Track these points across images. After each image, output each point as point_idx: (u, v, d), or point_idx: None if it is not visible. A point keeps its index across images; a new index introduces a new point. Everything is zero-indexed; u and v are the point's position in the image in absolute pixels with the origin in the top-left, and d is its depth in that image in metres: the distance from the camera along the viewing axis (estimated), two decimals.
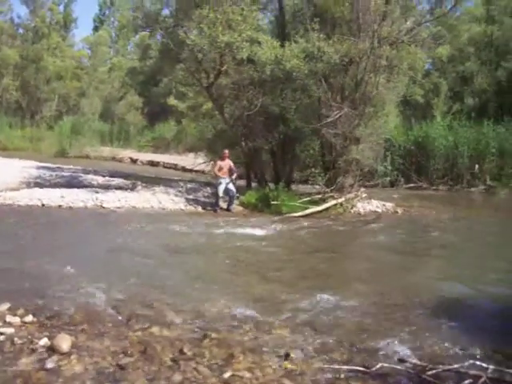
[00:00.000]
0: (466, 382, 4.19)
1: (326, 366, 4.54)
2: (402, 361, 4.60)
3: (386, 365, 4.44)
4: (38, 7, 46.95)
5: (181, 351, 4.72)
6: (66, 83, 44.34)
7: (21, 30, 48.28)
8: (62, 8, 51.39)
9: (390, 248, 10.46)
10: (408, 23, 15.24)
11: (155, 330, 5.24)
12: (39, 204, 12.78)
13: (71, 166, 22.24)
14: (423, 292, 7.07)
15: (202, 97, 18.36)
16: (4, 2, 46.41)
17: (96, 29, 55.91)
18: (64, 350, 4.55)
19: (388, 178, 22.41)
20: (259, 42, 13.99)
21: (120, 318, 5.52)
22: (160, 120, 38.26)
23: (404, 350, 4.89)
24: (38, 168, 20.03)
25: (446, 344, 5.15)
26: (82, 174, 19.17)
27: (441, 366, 4.45)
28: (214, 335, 5.13)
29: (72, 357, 4.47)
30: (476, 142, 23.17)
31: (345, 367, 4.49)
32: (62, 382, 4.07)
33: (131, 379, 4.16)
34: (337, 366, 4.51)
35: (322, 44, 13.77)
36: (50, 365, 4.32)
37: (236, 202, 14.34)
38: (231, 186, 13.89)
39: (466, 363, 4.49)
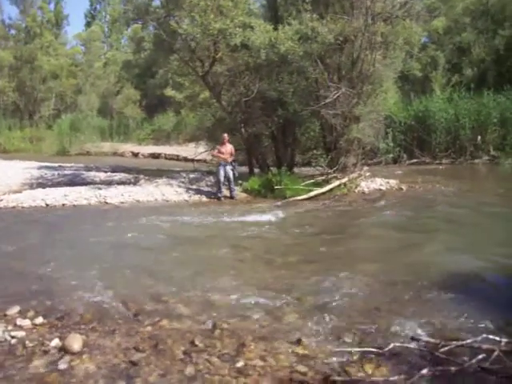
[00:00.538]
0: (480, 356, 4.17)
1: (338, 349, 4.54)
2: (414, 339, 4.59)
3: (398, 344, 4.43)
4: (28, 6, 46.64)
5: (192, 343, 4.72)
6: (61, 81, 44.19)
7: (13, 31, 48.00)
8: (52, 6, 51.10)
9: (396, 225, 10.42)
10: None
11: (165, 323, 5.24)
12: (43, 204, 12.76)
13: (73, 164, 22.23)
14: (431, 268, 7.04)
15: (198, 86, 18.24)
16: None
17: (88, 24, 55.60)
18: (76, 349, 4.56)
19: (390, 155, 22.34)
20: (252, 27, 13.85)
21: (129, 313, 5.52)
22: (158, 112, 38.08)
23: (415, 329, 4.88)
24: (40, 168, 20.01)
25: (458, 319, 5.14)
26: (83, 172, 19.16)
27: (453, 342, 4.43)
28: (224, 325, 5.13)
29: (84, 356, 4.47)
30: (477, 113, 23.03)
31: (357, 349, 4.49)
32: (75, 382, 4.08)
33: (144, 375, 4.16)
34: (349, 349, 4.51)
35: (316, 24, 13.63)
36: (62, 365, 4.32)
37: (239, 188, 14.31)
38: (230, 170, 13.84)
39: (479, 338, 4.47)
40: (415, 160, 22.87)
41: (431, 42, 31.31)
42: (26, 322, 5.21)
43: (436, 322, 5.09)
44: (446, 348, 4.34)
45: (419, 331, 4.81)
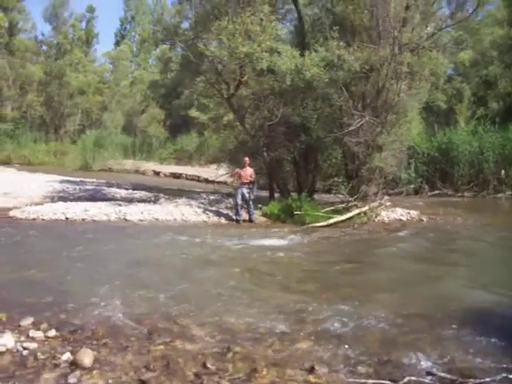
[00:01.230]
0: None
1: (351, 379, 4.44)
2: (429, 374, 4.47)
3: (413, 378, 4.33)
4: (61, 24, 47.84)
5: (204, 365, 4.66)
6: (88, 98, 44.99)
7: (44, 47, 49.26)
8: (83, 24, 52.36)
9: (416, 257, 10.29)
10: (429, 28, 15.08)
11: (178, 343, 5.19)
12: (63, 218, 12.89)
13: (94, 180, 22.47)
14: (450, 302, 6.90)
15: (223, 108, 18.41)
16: (28, 20, 47.36)
17: (117, 43, 56.72)
18: (86, 364, 4.54)
19: (412, 186, 22.17)
20: (279, 52, 13.95)
21: (142, 331, 5.49)
22: (182, 132, 38.47)
23: (432, 363, 4.77)
24: (62, 182, 20.25)
25: (476, 356, 5.00)
26: (105, 188, 19.34)
27: (471, 380, 4.32)
28: (237, 349, 5.07)
29: (94, 372, 4.45)
30: (502, 147, 22.79)
31: (371, 381, 4.38)
32: None
33: None
34: (363, 380, 4.41)
35: (342, 52, 13.68)
36: (72, 380, 4.30)
37: (258, 212, 14.29)
38: (247, 194, 13.82)
39: (498, 376, 4.34)
40: (437, 192, 22.64)
41: (457, 74, 31.27)
42: (39, 334, 5.21)
43: (453, 358, 4.96)
44: None
45: (435, 366, 4.70)
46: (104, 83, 48.99)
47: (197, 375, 4.47)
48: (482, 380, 4.32)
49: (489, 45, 31.65)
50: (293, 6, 16.83)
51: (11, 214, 13.20)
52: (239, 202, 13.80)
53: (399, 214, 15.22)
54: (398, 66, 14.18)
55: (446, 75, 22.25)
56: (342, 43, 13.84)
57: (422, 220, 14.79)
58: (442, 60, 15.75)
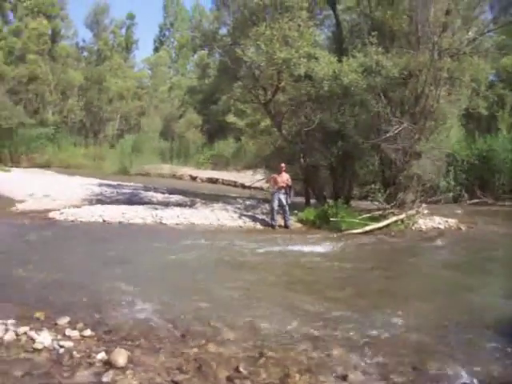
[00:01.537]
0: None
1: None
2: None
3: None
4: (102, 31, 48.82)
5: (236, 369, 4.66)
6: (127, 103, 45.68)
7: (85, 53, 50.32)
8: (123, 31, 53.32)
9: (453, 266, 10.09)
10: (470, 33, 14.77)
11: (211, 346, 5.21)
12: (100, 220, 13.10)
13: (132, 184, 22.78)
14: (488, 312, 6.75)
15: (260, 114, 18.44)
16: (70, 27, 48.46)
17: (156, 49, 57.45)
18: (120, 364, 4.60)
19: (451, 194, 21.70)
20: (316, 58, 13.90)
21: (176, 334, 5.53)
22: (219, 137, 38.69)
23: (467, 374, 4.65)
24: (100, 185, 20.60)
25: None
26: (142, 191, 19.57)
27: None
28: (270, 354, 5.06)
29: (128, 372, 4.50)
30: None
31: None
32: None
33: None
34: None
35: (381, 58, 13.56)
36: (106, 379, 4.38)
37: (294, 218, 14.24)
38: (284, 199, 13.79)
39: None
40: (476, 200, 22.14)
41: (499, 80, 30.55)
42: (75, 333, 5.31)
43: (489, 370, 4.84)
44: None
45: (471, 376, 4.58)
46: (143, 89, 49.68)
47: (229, 379, 4.48)
48: None
49: None
50: (331, 12, 16.78)
51: (50, 215, 13.49)
52: (275, 207, 13.78)
53: (437, 222, 14.95)
54: (438, 72, 13.96)
55: (487, 81, 21.81)
56: (380, 49, 13.72)
57: (460, 229, 14.50)
58: (484, 66, 15.44)
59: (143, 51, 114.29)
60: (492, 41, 15.61)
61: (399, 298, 7.60)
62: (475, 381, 4.52)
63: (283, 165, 14.23)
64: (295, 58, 13.41)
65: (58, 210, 14.11)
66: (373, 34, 13.91)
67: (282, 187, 13.86)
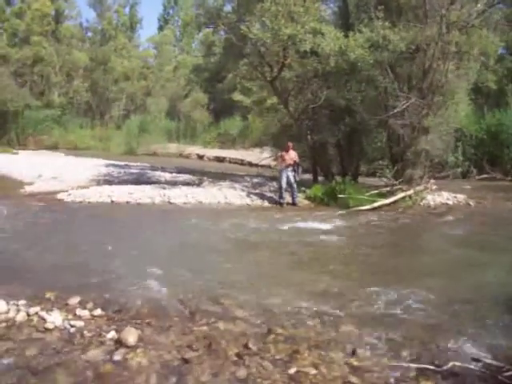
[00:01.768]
0: None
1: (394, 363, 4.40)
2: (475, 360, 4.37)
3: (458, 364, 4.25)
4: (105, 10, 48.49)
5: (245, 346, 4.69)
6: (133, 83, 45.51)
7: (89, 34, 50.09)
8: (127, 10, 52.93)
9: (462, 242, 10.07)
10: (479, 5, 14.50)
11: (220, 324, 5.24)
12: (108, 201, 13.15)
13: (139, 164, 22.81)
14: (497, 288, 6.74)
15: (266, 91, 18.33)
16: (73, 7, 48.14)
17: (161, 28, 57.05)
18: (131, 343, 4.64)
19: (459, 169, 21.57)
20: (322, 34, 13.74)
21: (185, 312, 5.56)
22: (225, 116, 38.56)
23: (477, 349, 4.65)
24: (107, 166, 20.63)
25: None
26: (149, 171, 19.60)
27: None
28: (279, 330, 5.08)
29: (138, 350, 4.54)
30: None
31: (414, 365, 4.33)
32: (128, 374, 4.16)
33: (196, 373, 4.18)
34: (405, 364, 4.36)
35: (388, 32, 13.38)
36: (117, 357, 4.41)
37: (301, 195, 14.23)
38: (291, 177, 13.77)
39: None
40: (485, 175, 22.01)
41: (509, 53, 30.11)
42: (85, 313, 5.35)
43: (499, 345, 4.83)
44: (510, 373, 4.11)
45: (481, 352, 4.58)
46: (148, 68, 49.48)
47: (238, 355, 4.51)
48: None
49: None
50: None
51: (59, 197, 13.55)
52: (283, 185, 13.77)
53: (445, 197, 14.91)
54: (446, 46, 13.76)
55: (496, 54, 21.53)
56: (387, 23, 13.53)
57: (469, 204, 14.45)
58: (493, 39, 15.21)
59: (148, 30, 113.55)
60: (501, 13, 15.39)
61: (408, 274, 7.59)
62: (484, 355, 4.52)
63: (290, 143, 14.18)
64: (301, 34, 13.27)
65: (66, 191, 14.17)
66: (379, 8, 13.70)
67: (290, 165, 13.83)
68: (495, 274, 7.54)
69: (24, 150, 32.51)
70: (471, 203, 14.51)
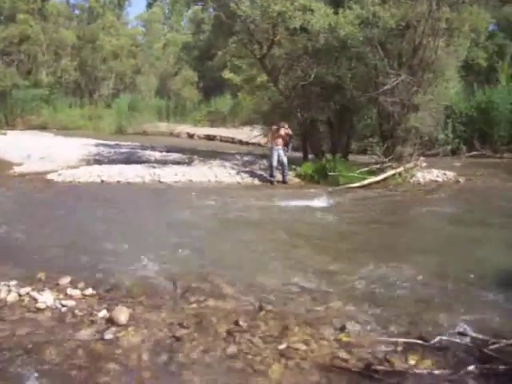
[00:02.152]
0: None
1: (382, 338, 4.47)
2: (461, 334, 4.44)
3: (444, 338, 4.32)
4: None
5: (236, 323, 4.74)
6: (122, 61, 44.98)
7: (76, 11, 49.26)
8: None
9: (451, 219, 10.15)
10: None
11: (211, 302, 5.29)
12: (98, 180, 13.11)
13: (129, 143, 22.66)
14: (485, 264, 6.80)
15: (256, 69, 18.19)
16: None
17: (149, 6, 56.11)
18: (122, 321, 4.68)
19: (449, 147, 21.56)
20: (312, 10, 13.61)
21: (176, 290, 5.60)
22: (215, 94, 38.27)
23: (464, 324, 4.72)
24: (97, 145, 20.49)
25: (509, 318, 4.96)
26: (139, 150, 19.51)
27: (503, 341, 4.27)
28: (269, 307, 5.14)
29: (129, 328, 4.58)
30: None
31: (402, 340, 4.40)
32: (119, 353, 4.19)
33: (187, 350, 4.23)
34: (394, 339, 4.42)
35: (378, 9, 13.29)
36: (108, 336, 4.45)
37: (292, 173, 14.25)
38: (283, 155, 13.78)
39: None
40: (475, 152, 22.04)
41: (500, 30, 30.02)
42: (77, 292, 5.38)
43: (486, 319, 4.92)
44: (496, 346, 4.19)
45: (468, 326, 4.65)
46: (137, 46, 48.84)
47: (229, 332, 4.56)
48: None
49: None
50: None
51: (48, 177, 13.49)
52: (274, 163, 13.79)
53: (435, 175, 14.99)
54: (436, 23, 13.69)
55: (487, 31, 21.46)
56: (377, 0, 13.44)
57: (458, 181, 14.54)
58: (484, 15, 15.17)
59: (136, 8, 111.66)
60: None
61: (398, 251, 7.67)
62: (470, 329, 4.59)
63: (284, 124, 14.11)
64: (290, 11, 13.17)
65: (56, 171, 14.10)
66: None
67: (282, 143, 13.84)
68: (484, 250, 7.61)
69: (13, 130, 32.16)
70: (461, 180, 14.59)
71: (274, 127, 14.25)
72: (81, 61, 43.38)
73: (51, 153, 17.69)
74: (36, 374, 3.80)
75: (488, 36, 23.71)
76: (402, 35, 14.21)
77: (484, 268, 6.59)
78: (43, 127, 34.49)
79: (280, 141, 13.87)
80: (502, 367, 3.94)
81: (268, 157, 14.48)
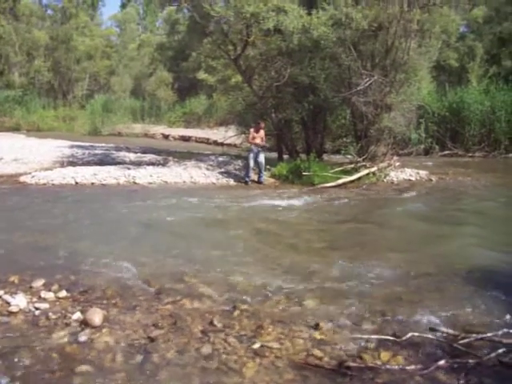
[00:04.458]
0: (500, 350, 4.12)
1: (355, 335, 4.53)
2: (432, 330, 4.53)
3: (416, 334, 4.39)
4: None
5: (211, 323, 4.77)
6: (96, 62, 44.59)
7: (49, 11, 48.66)
8: None
9: (424, 216, 10.29)
10: None
11: (185, 302, 5.30)
12: (72, 182, 12.98)
13: (103, 144, 22.46)
14: (456, 260, 6.94)
15: (230, 69, 18.20)
16: None
17: (123, 6, 55.90)
18: (96, 323, 4.66)
19: (422, 146, 21.96)
20: (285, 11, 13.69)
21: (151, 291, 5.60)
22: (190, 95, 38.19)
23: (435, 320, 4.83)
24: (71, 147, 20.27)
25: (480, 313, 5.08)
26: (114, 152, 19.36)
27: (473, 335, 4.38)
28: (243, 307, 5.16)
29: (104, 330, 4.57)
30: None
31: (375, 337, 4.47)
32: (94, 355, 4.17)
33: (161, 351, 4.23)
34: (367, 336, 4.49)
35: (350, 10, 13.46)
36: (82, 338, 4.43)
37: (267, 173, 14.30)
38: (261, 157, 13.85)
39: (500, 332, 4.42)
40: (447, 152, 22.42)
41: (470, 32, 30.49)
42: (50, 295, 5.34)
43: (457, 315, 5.03)
44: (466, 340, 4.29)
45: (439, 322, 4.76)
46: (111, 47, 48.51)
47: (203, 332, 4.58)
48: (484, 335, 4.38)
49: (503, 0, 30.75)
50: None
51: (21, 179, 13.31)
52: (251, 164, 13.82)
53: (408, 174, 15.19)
54: (408, 24, 13.89)
55: (457, 32, 21.82)
56: (350, 1, 13.59)
57: (431, 180, 14.76)
58: (454, 17, 15.43)
59: (110, 8, 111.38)
60: None
61: (372, 249, 7.77)
62: (441, 324, 4.68)
63: (262, 123, 14.18)
64: (264, 12, 13.25)
65: (29, 173, 13.93)
66: None
67: (259, 145, 13.88)
68: (455, 247, 7.77)
69: None
70: (433, 179, 14.82)
71: (253, 128, 14.27)
72: (54, 61, 42.90)
73: (24, 154, 17.46)
74: (8, 379, 3.76)
75: (459, 37, 24.09)
76: (375, 36, 14.37)
77: (454, 264, 6.71)
78: (16, 129, 34.02)
79: (258, 141, 13.91)
80: (471, 361, 4.04)
81: (243, 157, 14.49)
